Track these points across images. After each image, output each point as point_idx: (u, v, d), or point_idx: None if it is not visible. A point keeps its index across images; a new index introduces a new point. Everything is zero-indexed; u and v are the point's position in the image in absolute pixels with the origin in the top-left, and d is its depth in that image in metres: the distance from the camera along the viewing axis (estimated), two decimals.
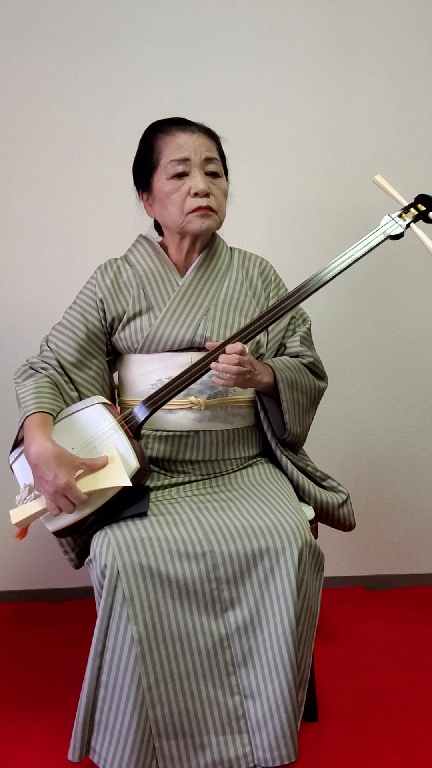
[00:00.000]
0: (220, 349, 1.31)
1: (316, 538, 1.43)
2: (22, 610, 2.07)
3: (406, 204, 1.40)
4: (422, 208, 1.39)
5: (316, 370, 1.52)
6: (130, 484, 1.24)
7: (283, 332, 1.53)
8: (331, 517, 1.50)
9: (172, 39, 1.99)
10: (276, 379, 1.40)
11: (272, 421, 1.48)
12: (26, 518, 1.28)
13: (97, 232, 2.01)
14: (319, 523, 1.51)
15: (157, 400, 1.34)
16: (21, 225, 2.02)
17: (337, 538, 1.98)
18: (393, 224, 1.38)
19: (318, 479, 1.51)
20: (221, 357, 1.29)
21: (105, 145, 1.99)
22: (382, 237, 1.37)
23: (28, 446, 1.28)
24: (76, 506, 1.24)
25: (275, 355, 1.53)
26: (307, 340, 1.55)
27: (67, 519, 1.28)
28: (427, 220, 1.40)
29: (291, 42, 2.01)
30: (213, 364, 1.30)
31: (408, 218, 1.38)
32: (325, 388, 1.55)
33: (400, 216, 1.39)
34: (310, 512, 1.45)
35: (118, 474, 1.25)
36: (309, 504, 1.48)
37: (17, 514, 1.28)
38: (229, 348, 1.29)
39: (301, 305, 1.55)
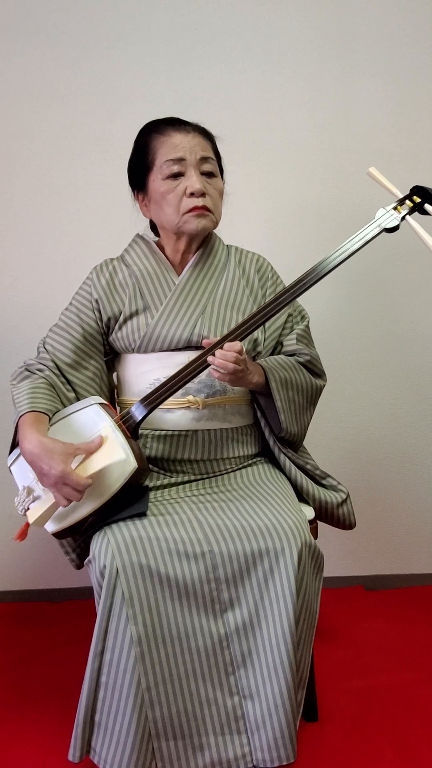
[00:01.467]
0: (218, 345, 1.31)
1: (315, 538, 1.43)
2: (22, 610, 2.07)
3: (401, 196, 1.39)
4: (417, 199, 1.37)
5: (313, 368, 1.52)
6: (124, 456, 1.24)
7: (280, 330, 1.53)
8: (331, 516, 1.50)
9: (172, 39, 1.99)
10: (267, 378, 1.40)
11: (269, 420, 1.48)
12: (41, 516, 1.28)
13: (97, 232, 2.01)
14: (319, 523, 1.50)
15: (154, 399, 1.34)
16: (21, 225, 2.02)
17: (337, 538, 1.98)
18: (388, 216, 1.37)
19: (317, 477, 1.51)
20: (218, 352, 1.29)
21: (105, 145, 1.99)
22: (377, 230, 1.36)
23: (21, 445, 1.28)
24: (81, 493, 1.23)
25: (272, 353, 1.53)
26: (304, 337, 1.54)
27: (77, 514, 1.27)
28: (423, 212, 1.38)
29: (291, 42, 2.01)
30: (210, 358, 1.30)
31: (403, 210, 1.37)
32: (323, 386, 1.55)
33: (395, 208, 1.37)
34: (309, 512, 1.45)
35: (114, 450, 1.25)
36: (309, 503, 1.48)
37: (32, 515, 1.29)
38: (227, 345, 1.29)
39: (301, 304, 1.55)
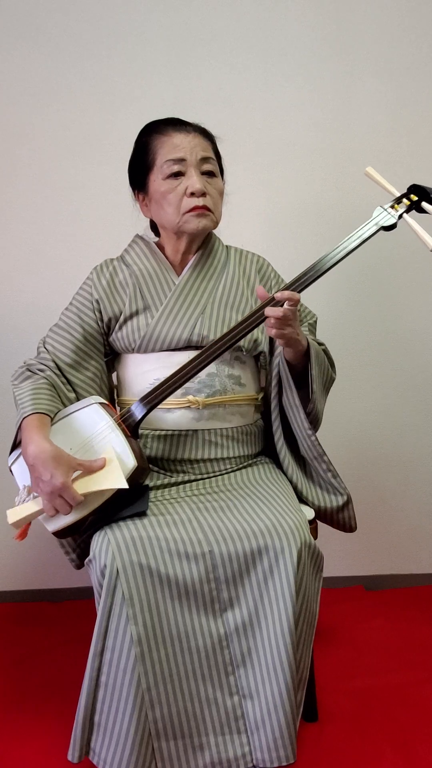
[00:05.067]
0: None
1: (315, 538, 1.43)
2: (22, 610, 2.07)
3: (398, 195, 1.39)
4: (415, 198, 1.38)
5: (329, 356, 1.52)
6: (126, 486, 1.24)
7: None
8: (331, 519, 1.50)
9: (172, 39, 1.99)
10: (308, 344, 1.39)
11: (288, 400, 1.45)
12: (22, 518, 1.28)
13: (97, 232, 2.01)
14: (319, 523, 1.50)
15: (153, 398, 1.34)
16: (21, 225, 2.02)
17: (337, 538, 1.97)
18: (385, 215, 1.37)
19: (322, 471, 1.47)
20: (269, 310, 1.27)
21: (105, 145, 2.00)
22: (374, 228, 1.37)
23: (25, 447, 1.28)
24: (72, 507, 1.24)
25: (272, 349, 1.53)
26: (314, 330, 1.56)
27: (64, 520, 1.28)
28: (421, 210, 1.38)
29: (291, 42, 2.01)
30: (267, 310, 1.27)
31: (400, 209, 1.37)
32: (334, 379, 1.55)
33: (392, 207, 1.38)
34: (309, 512, 1.45)
35: (114, 476, 1.25)
36: (308, 505, 1.47)
37: (13, 515, 1.29)
38: (278, 295, 1.28)
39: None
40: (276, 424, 1.50)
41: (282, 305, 1.28)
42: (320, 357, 1.45)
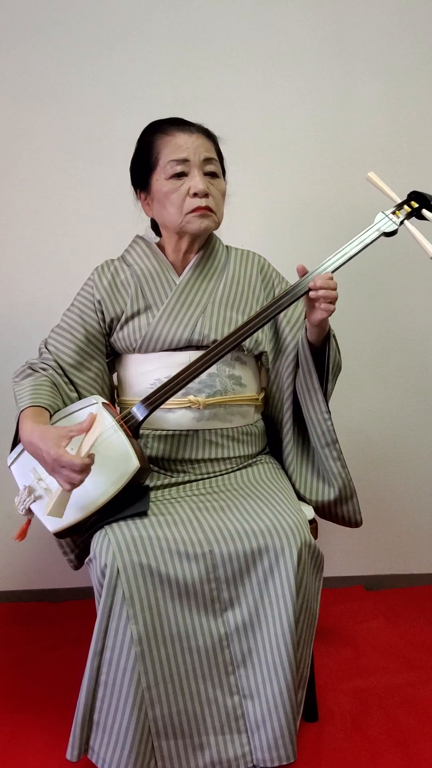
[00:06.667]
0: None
1: (315, 538, 1.43)
2: (22, 610, 2.07)
3: (399, 201, 1.40)
4: (415, 205, 1.39)
5: (336, 341, 1.51)
6: (111, 422, 1.27)
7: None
8: (335, 514, 1.49)
9: (172, 39, 1.99)
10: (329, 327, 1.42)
11: (306, 383, 1.45)
12: (54, 505, 1.25)
13: (97, 232, 2.01)
14: (319, 523, 1.50)
15: (155, 399, 1.34)
16: (21, 225, 2.02)
17: (337, 538, 1.98)
18: (387, 221, 1.38)
19: (332, 459, 1.45)
20: (319, 282, 1.30)
21: (105, 145, 2.00)
22: (376, 234, 1.37)
23: (21, 438, 1.29)
24: (79, 473, 1.20)
25: (278, 348, 1.53)
26: None
27: (77, 514, 1.27)
28: (421, 217, 1.39)
29: (291, 42, 2.01)
30: (312, 293, 1.31)
31: (401, 215, 1.38)
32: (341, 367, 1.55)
33: (393, 213, 1.39)
34: (309, 512, 1.45)
35: (104, 420, 1.28)
36: (307, 501, 1.48)
37: (46, 507, 1.27)
38: (319, 278, 1.30)
39: None
40: (287, 415, 1.50)
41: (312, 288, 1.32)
42: (335, 340, 1.47)
